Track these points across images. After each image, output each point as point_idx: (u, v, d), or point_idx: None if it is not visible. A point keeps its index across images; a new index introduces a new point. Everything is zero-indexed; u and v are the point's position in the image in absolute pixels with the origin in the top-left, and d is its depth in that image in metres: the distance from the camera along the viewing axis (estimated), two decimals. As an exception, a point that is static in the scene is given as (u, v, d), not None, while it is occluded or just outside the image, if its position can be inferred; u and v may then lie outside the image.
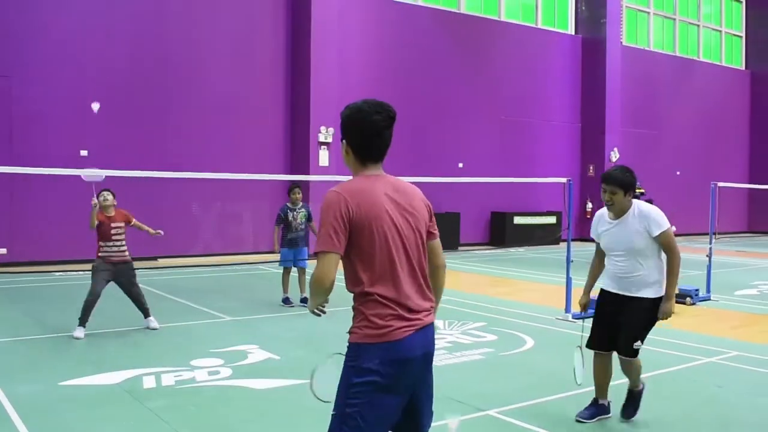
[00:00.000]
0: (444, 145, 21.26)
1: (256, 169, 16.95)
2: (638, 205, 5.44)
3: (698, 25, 29.05)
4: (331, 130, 18.12)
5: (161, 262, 16.02)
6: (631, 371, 5.53)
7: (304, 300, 10.88)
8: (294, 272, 11.13)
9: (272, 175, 17.47)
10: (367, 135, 3.21)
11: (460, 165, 21.44)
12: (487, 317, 9.93)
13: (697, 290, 11.44)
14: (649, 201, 17.74)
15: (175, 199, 16.50)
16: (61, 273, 14.13)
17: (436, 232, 3.41)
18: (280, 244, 10.91)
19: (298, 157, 18.27)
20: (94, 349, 7.83)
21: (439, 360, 7.42)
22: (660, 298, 5.35)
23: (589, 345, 5.69)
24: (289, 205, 10.83)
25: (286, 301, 10.95)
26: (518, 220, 22.12)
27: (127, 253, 9.09)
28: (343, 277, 3.26)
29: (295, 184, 11.13)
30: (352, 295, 3.22)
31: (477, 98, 22.05)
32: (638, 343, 5.39)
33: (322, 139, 18.06)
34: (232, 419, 5.57)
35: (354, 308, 3.23)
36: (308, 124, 17.98)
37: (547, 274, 15.13)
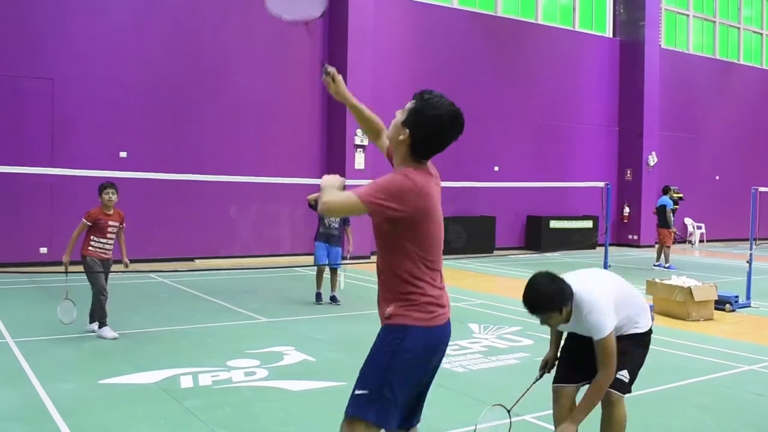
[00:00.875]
0: (480, 148, 21.18)
1: (292, 172, 17.06)
2: (577, 305, 4.52)
3: (739, 28, 28.63)
4: (366, 133, 18.13)
5: (198, 263, 16.19)
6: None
7: (333, 298, 11.16)
8: (326, 273, 11.25)
9: (308, 179, 17.54)
10: (436, 143, 3.29)
11: (496, 168, 21.36)
12: (523, 321, 9.87)
13: (737, 297, 11.28)
14: (675, 204, 17.50)
15: (212, 202, 16.67)
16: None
17: None
18: (314, 237, 11.15)
19: (334, 160, 18.34)
20: (132, 348, 7.93)
21: (474, 364, 7.42)
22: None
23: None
24: None
25: (318, 296, 11.14)
26: (554, 224, 21.98)
27: (111, 251, 8.89)
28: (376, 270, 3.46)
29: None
30: (398, 280, 3.30)
31: (513, 101, 21.96)
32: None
33: (357, 142, 18.11)
34: (268, 420, 5.61)
35: (402, 292, 3.29)
36: (344, 127, 18.04)
37: (583, 278, 14.98)
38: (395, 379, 3.19)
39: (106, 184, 9.05)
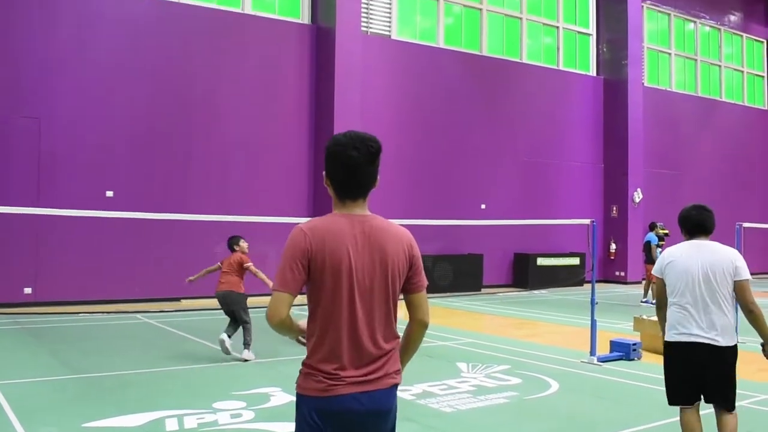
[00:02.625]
0: (466, 186, 21.28)
1: (279, 211, 17.05)
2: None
3: (720, 66, 29.04)
4: (353, 171, 18.16)
5: (184, 303, 16.07)
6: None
7: None
8: None
9: (296, 218, 17.54)
10: (344, 170, 3.04)
11: (483, 206, 21.43)
12: (511, 360, 9.84)
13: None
14: (661, 240, 17.61)
15: (198, 241, 16.58)
16: (85, 313, 14.23)
17: (420, 283, 3.15)
18: None
19: (322, 200, 18.35)
20: (117, 390, 7.83)
21: (463, 404, 7.37)
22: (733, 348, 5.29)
23: None
24: None
25: None
26: (541, 261, 22.01)
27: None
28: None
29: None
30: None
31: (499, 140, 22.10)
32: None
33: (344, 180, 18.10)
34: (255, 463, 5.54)
35: (304, 361, 3.09)
36: (331, 165, 18.04)
37: (571, 316, 15.00)
38: None
39: (238, 237, 10.62)
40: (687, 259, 5.13)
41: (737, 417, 5.15)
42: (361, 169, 3.04)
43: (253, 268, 10.14)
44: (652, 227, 18.43)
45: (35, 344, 10.90)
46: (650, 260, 17.51)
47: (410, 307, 3.18)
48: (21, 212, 13.21)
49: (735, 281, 5.09)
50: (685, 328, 5.07)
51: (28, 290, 15.18)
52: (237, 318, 9.97)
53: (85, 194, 15.47)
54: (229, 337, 9.83)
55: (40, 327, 12.66)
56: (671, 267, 5.19)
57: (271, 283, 9.05)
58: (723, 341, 5.04)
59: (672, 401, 5.26)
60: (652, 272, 5.40)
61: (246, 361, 9.64)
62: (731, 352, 5.11)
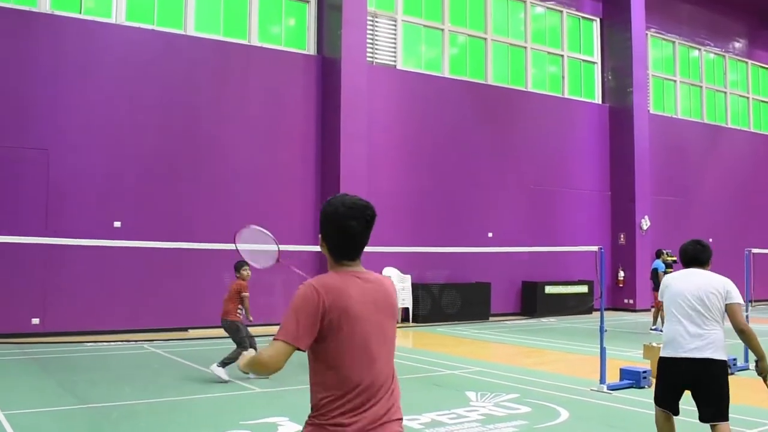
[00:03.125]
0: (473, 215, 21.28)
1: (286, 240, 17.03)
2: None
3: (725, 92, 29.12)
4: (360, 200, 18.19)
5: (192, 333, 16.06)
6: None
7: None
8: None
9: (303, 246, 17.56)
10: (342, 238, 3.19)
11: (490, 235, 21.41)
12: (520, 389, 9.78)
13: (735, 359, 11.19)
14: (669, 267, 17.57)
15: (206, 270, 16.59)
16: (92, 344, 14.22)
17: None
18: None
19: (328, 227, 18.35)
20: (125, 421, 7.80)
21: (472, 432, 7.32)
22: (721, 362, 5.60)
23: None
24: None
25: None
26: (549, 289, 21.93)
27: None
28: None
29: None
30: (315, 400, 3.15)
31: (505, 168, 22.15)
32: None
33: (351, 209, 18.12)
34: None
35: (313, 416, 3.15)
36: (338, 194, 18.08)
37: (580, 344, 14.92)
38: None
39: (243, 262, 10.13)
40: (681, 282, 5.70)
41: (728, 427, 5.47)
42: (358, 236, 3.21)
43: (246, 299, 10.41)
44: (659, 254, 18.37)
45: (43, 374, 10.89)
46: (657, 287, 17.45)
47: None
48: (29, 241, 13.27)
49: (727, 304, 5.54)
50: (679, 345, 5.53)
51: (35, 320, 15.21)
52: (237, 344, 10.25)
53: (93, 224, 15.54)
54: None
55: (47, 357, 12.65)
56: (668, 290, 5.76)
57: (251, 317, 9.42)
58: (714, 355, 5.44)
59: (658, 403, 5.75)
60: (658, 297, 5.77)
61: (219, 378, 9.90)
62: (721, 365, 5.48)
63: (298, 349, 3.02)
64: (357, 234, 3.20)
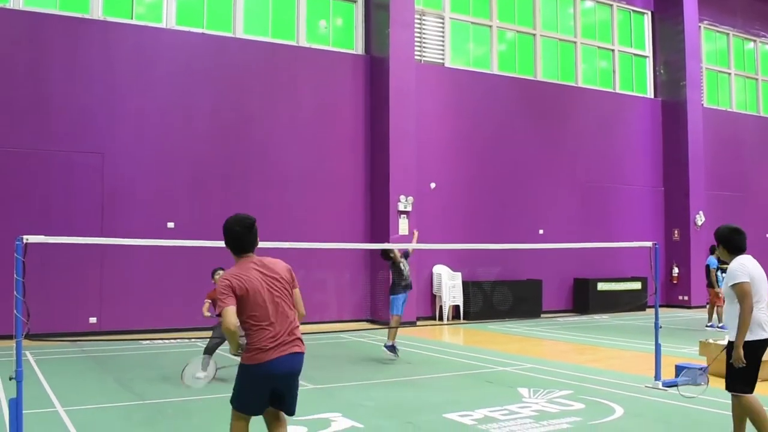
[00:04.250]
0: (524, 211, 21.14)
1: (337, 237, 17.16)
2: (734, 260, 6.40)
3: (782, 85, 28.43)
4: (410, 199, 18.25)
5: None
6: (733, 413, 6.34)
7: (392, 348, 12.00)
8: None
9: (353, 244, 17.66)
10: (232, 238, 5.10)
11: (541, 231, 21.24)
12: (574, 385, 9.68)
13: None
14: (723, 263, 17.21)
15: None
16: (148, 341, 14.47)
17: (296, 284, 5.19)
18: (391, 291, 12.14)
19: (378, 225, 18.43)
20: (181, 417, 7.93)
21: (525, 429, 7.27)
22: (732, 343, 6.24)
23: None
24: (393, 262, 12.14)
25: (393, 349, 11.99)
26: (602, 286, 21.67)
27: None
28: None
29: (387, 249, 12.41)
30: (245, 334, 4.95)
31: (556, 164, 21.95)
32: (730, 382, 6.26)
33: (401, 208, 18.19)
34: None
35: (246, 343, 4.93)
36: (387, 193, 18.15)
37: (633, 341, 14.71)
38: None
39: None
40: (758, 270, 6.36)
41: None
42: (244, 237, 5.09)
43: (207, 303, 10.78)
44: (713, 250, 17.99)
45: (100, 371, 11.12)
46: (710, 284, 17.13)
47: (295, 298, 5.17)
48: (86, 242, 13.53)
49: None
50: None
51: (93, 320, 15.55)
52: None
53: (147, 226, 15.82)
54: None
55: (105, 355, 12.91)
56: (754, 279, 6.25)
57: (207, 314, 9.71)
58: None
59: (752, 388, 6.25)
60: (744, 287, 6.17)
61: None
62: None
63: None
64: (241, 236, 5.07)
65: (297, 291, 5.18)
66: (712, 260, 17.37)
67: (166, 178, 16.51)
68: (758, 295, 6.23)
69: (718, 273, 17.10)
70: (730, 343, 6.28)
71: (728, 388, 6.29)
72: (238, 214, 5.16)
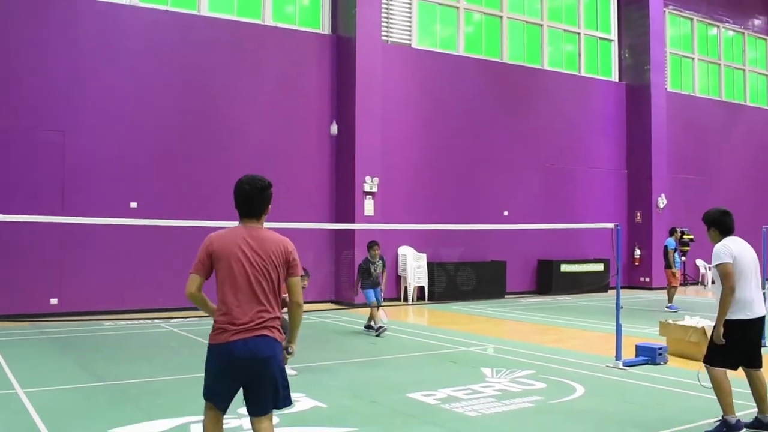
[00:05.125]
0: (488, 194, 21.24)
1: (302, 218, 17.10)
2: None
3: (744, 70, 28.80)
4: (376, 179, 18.23)
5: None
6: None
7: (378, 328, 12.88)
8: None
9: (319, 224, 17.61)
10: (239, 198, 4.57)
11: (505, 213, 21.36)
12: (536, 365, 9.79)
13: None
14: (686, 245, 17.43)
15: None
16: (110, 323, 14.34)
17: (294, 272, 4.59)
18: (361, 286, 13.30)
19: (344, 206, 18.41)
20: (144, 397, 7.88)
21: (487, 408, 7.34)
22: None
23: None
24: (369, 258, 13.17)
25: (378, 328, 12.86)
26: (565, 267, 21.89)
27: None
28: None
29: (374, 242, 13.23)
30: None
31: (521, 146, 22.06)
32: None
33: (367, 189, 18.18)
34: (280, 467, 5.54)
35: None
36: (353, 174, 18.13)
37: (595, 321, 14.90)
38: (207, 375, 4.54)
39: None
40: (746, 251, 6.54)
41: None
42: (252, 198, 4.57)
43: None
44: (672, 232, 18.27)
45: (61, 353, 11.00)
46: (668, 264, 17.38)
47: (288, 289, 4.63)
48: (46, 220, 13.37)
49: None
50: (758, 308, 6.47)
51: (54, 301, 15.34)
52: None
53: (110, 205, 15.62)
54: None
55: (66, 337, 12.77)
56: (741, 258, 6.43)
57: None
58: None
59: (735, 365, 6.43)
60: (727, 266, 6.35)
61: None
62: None
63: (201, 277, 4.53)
64: (249, 196, 4.54)
65: (293, 279, 4.58)
66: (671, 241, 17.65)
67: (129, 158, 16.29)
68: (743, 275, 6.39)
69: (676, 254, 17.38)
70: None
71: (705, 360, 6.47)
72: (253, 174, 4.67)
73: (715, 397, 6.42)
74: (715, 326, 6.39)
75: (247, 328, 4.34)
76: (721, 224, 6.68)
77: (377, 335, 12.73)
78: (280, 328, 4.48)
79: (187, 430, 6.45)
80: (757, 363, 6.45)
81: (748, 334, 6.40)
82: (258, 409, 4.54)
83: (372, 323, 13.14)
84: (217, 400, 4.52)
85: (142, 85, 16.50)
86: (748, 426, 6.48)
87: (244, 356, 4.32)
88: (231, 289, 4.39)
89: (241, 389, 4.51)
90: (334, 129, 17.13)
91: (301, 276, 4.68)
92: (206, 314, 4.59)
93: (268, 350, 4.39)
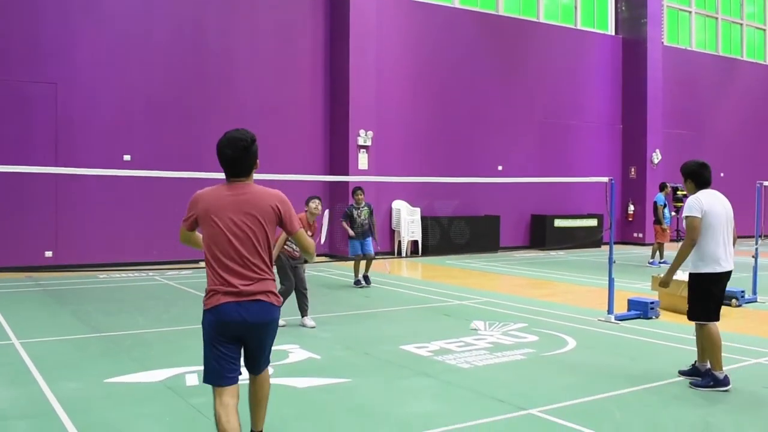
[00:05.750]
0: (483, 148, 21.19)
1: (296, 171, 17.06)
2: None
3: (741, 24, 28.60)
4: (370, 133, 18.17)
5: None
6: (696, 343, 6.64)
7: (364, 278, 12.97)
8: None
9: (312, 176, 17.58)
10: (223, 161, 4.33)
11: (500, 168, 21.34)
12: (528, 318, 9.86)
13: (743, 292, 11.24)
14: (679, 201, 17.41)
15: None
16: (105, 275, 14.38)
17: (292, 228, 4.40)
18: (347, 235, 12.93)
19: (338, 159, 18.36)
20: (138, 348, 7.93)
21: (479, 360, 7.41)
22: (692, 275, 6.49)
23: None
24: (353, 204, 13.02)
25: (357, 283, 12.95)
26: (559, 222, 21.96)
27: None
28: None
29: (357, 187, 13.05)
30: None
31: (516, 100, 21.95)
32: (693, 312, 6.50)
33: (361, 142, 18.12)
34: (273, 417, 5.58)
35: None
36: (347, 128, 18.06)
37: (588, 276, 14.99)
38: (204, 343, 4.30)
39: (314, 196, 9.84)
40: (719, 206, 6.51)
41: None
42: (235, 160, 4.30)
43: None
44: (662, 188, 18.11)
45: (57, 306, 11.04)
46: (658, 220, 17.31)
47: (296, 241, 4.56)
48: (39, 171, 13.32)
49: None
50: (726, 262, 6.41)
51: (48, 254, 15.37)
52: None
53: (103, 158, 15.56)
54: None
55: (61, 289, 12.81)
56: (712, 212, 6.42)
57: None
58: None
59: (716, 317, 6.43)
60: (694, 220, 6.37)
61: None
62: None
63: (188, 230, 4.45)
64: (232, 159, 4.29)
65: (297, 235, 4.42)
66: (660, 197, 17.56)
67: (123, 111, 16.18)
68: (713, 228, 6.37)
69: (666, 210, 17.34)
70: (691, 275, 6.49)
71: (689, 317, 6.54)
72: (234, 131, 4.39)
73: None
74: (666, 273, 6.61)
75: (240, 292, 4.13)
76: (697, 176, 6.71)
77: (365, 286, 12.92)
78: (275, 290, 4.30)
79: (181, 380, 6.51)
80: (714, 316, 6.48)
81: (716, 286, 6.44)
82: (250, 370, 4.57)
83: (360, 277, 13.06)
84: (221, 373, 4.23)
85: (135, 37, 16.30)
86: (683, 372, 6.73)
87: (236, 319, 4.13)
88: (218, 250, 4.19)
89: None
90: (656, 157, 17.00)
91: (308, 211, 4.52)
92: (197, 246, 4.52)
93: (264, 315, 4.23)
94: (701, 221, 6.35)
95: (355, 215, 12.87)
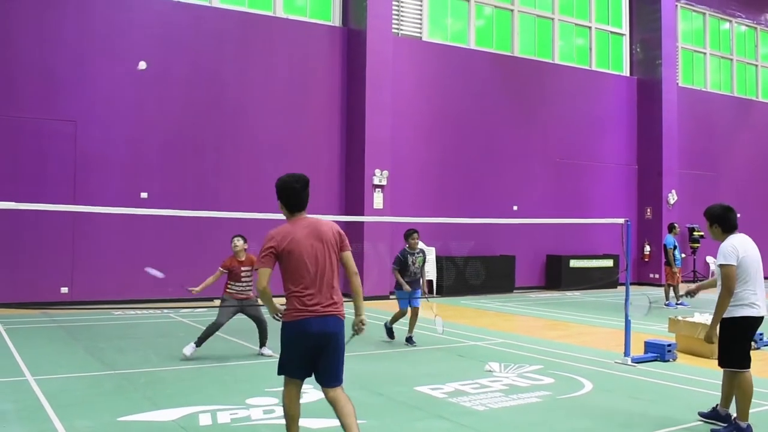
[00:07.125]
0: (498, 187, 21.20)
1: (311, 210, 17.08)
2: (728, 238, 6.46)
3: (756, 65, 28.64)
4: (385, 173, 18.22)
5: (217, 303, 16.15)
6: (722, 388, 6.55)
7: (408, 339, 11.21)
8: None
9: (329, 215, 17.58)
10: (290, 196, 5.07)
11: (515, 208, 21.33)
12: (544, 360, 9.78)
13: (761, 334, 11.08)
14: (696, 242, 17.19)
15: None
16: (119, 312, 14.39)
17: (345, 247, 5.15)
18: (395, 286, 11.31)
19: (353, 199, 18.40)
20: (152, 386, 7.91)
21: (495, 402, 7.33)
22: (726, 320, 6.30)
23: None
24: (407, 249, 11.10)
25: (390, 333, 11.46)
26: (574, 263, 21.85)
27: (250, 292, 9.79)
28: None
29: (413, 230, 11.14)
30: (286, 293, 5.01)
31: (531, 141, 22.00)
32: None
33: (376, 181, 18.17)
34: (288, 458, 5.55)
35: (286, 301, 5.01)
36: (363, 166, 18.12)
37: (604, 317, 14.87)
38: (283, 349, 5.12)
39: (235, 235, 10.28)
40: (753, 249, 6.43)
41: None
42: (300, 194, 5.08)
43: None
44: (671, 229, 17.98)
45: (71, 342, 11.05)
46: (668, 263, 17.24)
47: (345, 262, 5.15)
48: (57, 209, 13.41)
49: None
50: (761, 306, 6.30)
51: (64, 290, 15.43)
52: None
53: (120, 196, 15.68)
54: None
55: (76, 325, 12.83)
56: (747, 257, 6.33)
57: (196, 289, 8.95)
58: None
59: (748, 364, 6.29)
60: (732, 265, 6.23)
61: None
62: None
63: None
64: (299, 192, 5.06)
65: (347, 253, 5.13)
66: (669, 239, 17.48)
67: (140, 148, 16.34)
68: (746, 274, 6.27)
69: (676, 252, 17.25)
70: (725, 320, 6.31)
71: (721, 363, 6.39)
72: (291, 173, 5.16)
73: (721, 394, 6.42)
74: (709, 327, 6.36)
75: (324, 304, 4.93)
76: (724, 221, 6.55)
77: (412, 344, 11.14)
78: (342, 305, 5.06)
79: (195, 420, 6.48)
80: (747, 363, 6.37)
81: (747, 332, 6.32)
82: (328, 379, 5.11)
83: (405, 337, 11.30)
84: (292, 372, 5.09)
85: (153, 76, 16.51)
86: (702, 414, 6.66)
87: (316, 331, 4.90)
88: (305, 277, 4.91)
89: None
90: (142, 65, 15.98)
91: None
92: (267, 305, 5.03)
93: (335, 326, 4.98)
94: (737, 269, 6.26)
95: (409, 262, 11.02)
